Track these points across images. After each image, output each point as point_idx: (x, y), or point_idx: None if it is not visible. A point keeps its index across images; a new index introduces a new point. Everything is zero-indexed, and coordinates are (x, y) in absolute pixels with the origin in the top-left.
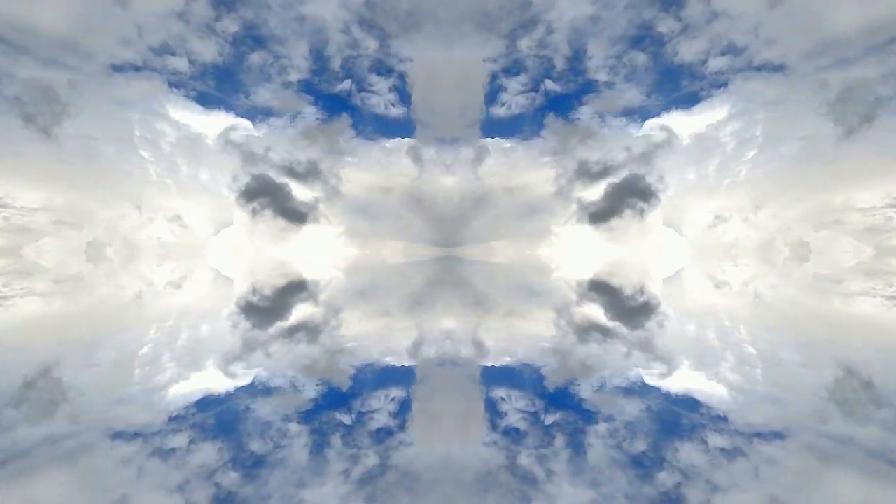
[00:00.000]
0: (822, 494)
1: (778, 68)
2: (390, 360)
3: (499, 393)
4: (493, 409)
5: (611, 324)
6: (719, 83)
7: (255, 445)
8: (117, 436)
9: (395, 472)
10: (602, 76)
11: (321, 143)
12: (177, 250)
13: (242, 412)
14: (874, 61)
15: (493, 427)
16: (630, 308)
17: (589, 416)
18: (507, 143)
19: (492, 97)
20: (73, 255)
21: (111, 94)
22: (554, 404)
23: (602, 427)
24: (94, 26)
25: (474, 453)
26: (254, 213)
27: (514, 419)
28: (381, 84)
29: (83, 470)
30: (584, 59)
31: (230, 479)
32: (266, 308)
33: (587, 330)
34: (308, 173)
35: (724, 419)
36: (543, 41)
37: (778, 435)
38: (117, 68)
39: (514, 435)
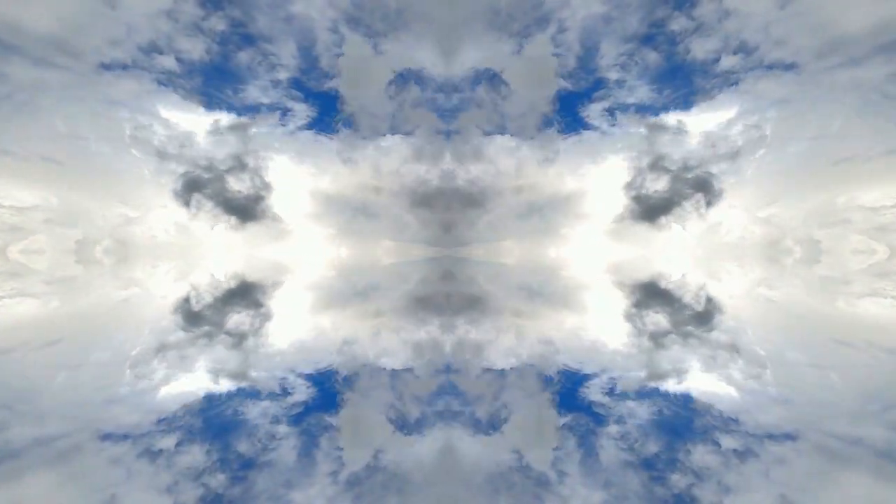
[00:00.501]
0: (832, 495)
1: (789, 67)
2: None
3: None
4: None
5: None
6: (731, 82)
7: (244, 447)
8: (106, 437)
9: (384, 473)
10: (613, 74)
11: (311, 142)
12: (171, 250)
13: (231, 414)
14: (883, 60)
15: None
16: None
17: (600, 419)
18: (513, 142)
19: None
20: (62, 255)
21: (101, 94)
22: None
23: (613, 429)
24: (84, 25)
25: (483, 454)
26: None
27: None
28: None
29: (72, 470)
30: (595, 57)
31: (218, 480)
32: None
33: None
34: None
35: (735, 421)
36: (555, 39)
37: (789, 436)
38: (107, 67)
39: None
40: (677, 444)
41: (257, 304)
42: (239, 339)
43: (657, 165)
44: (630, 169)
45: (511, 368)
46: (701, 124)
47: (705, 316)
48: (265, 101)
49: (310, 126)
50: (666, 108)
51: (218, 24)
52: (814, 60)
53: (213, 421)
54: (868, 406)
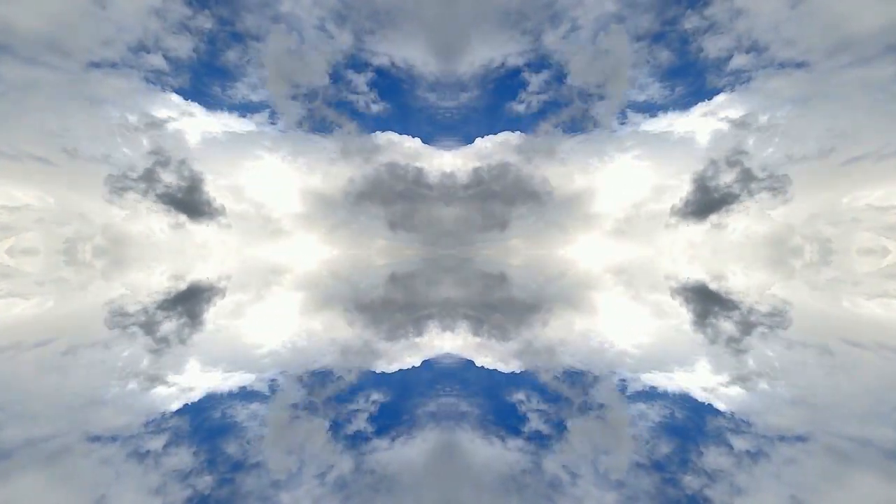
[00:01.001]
0: (841, 495)
1: (800, 66)
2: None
3: (518, 396)
4: (512, 413)
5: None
6: (742, 80)
7: (232, 448)
8: (95, 439)
9: (371, 475)
10: (625, 73)
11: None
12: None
13: (220, 416)
14: (893, 59)
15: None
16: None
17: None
18: (523, 138)
19: (512, 93)
20: (54, 255)
21: (91, 92)
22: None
23: (628, 430)
24: (74, 25)
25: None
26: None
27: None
28: (359, 79)
29: (63, 471)
30: (607, 56)
31: (206, 481)
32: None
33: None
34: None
35: (747, 422)
36: (568, 37)
37: (800, 438)
38: (96, 65)
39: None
40: (689, 445)
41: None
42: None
43: (669, 164)
44: (641, 167)
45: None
46: (711, 122)
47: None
48: (255, 98)
49: (299, 124)
50: (676, 107)
51: (205, 22)
52: (824, 59)
53: (201, 422)
54: (877, 407)
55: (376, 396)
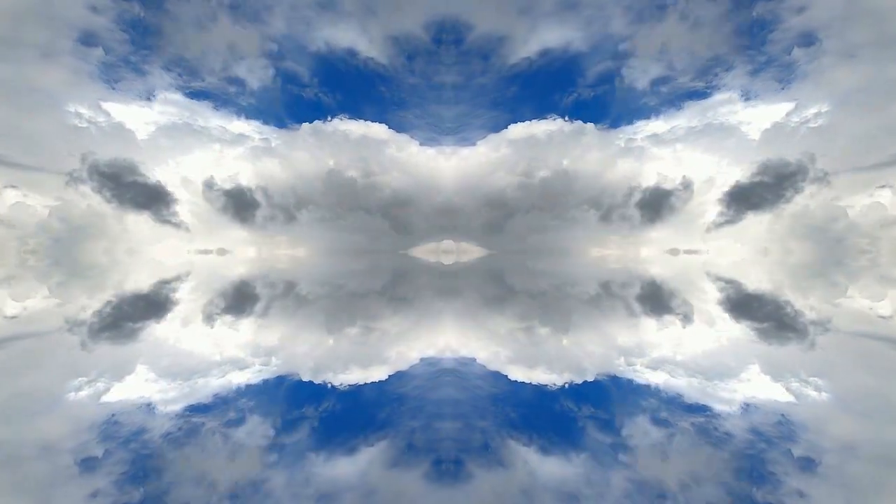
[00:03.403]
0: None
1: (852, 57)
2: None
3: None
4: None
5: None
6: (802, 72)
7: (176, 457)
8: (44, 447)
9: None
10: (679, 62)
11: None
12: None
13: (167, 427)
14: None
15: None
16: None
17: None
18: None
19: (569, 83)
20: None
21: (40, 84)
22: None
23: (681, 438)
24: (22, 18)
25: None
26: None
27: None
28: (301, 69)
29: (7, 479)
30: (666, 47)
31: (142, 492)
32: None
33: None
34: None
35: (804, 429)
36: (628, 28)
37: (850, 445)
38: (46, 57)
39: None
40: (743, 452)
41: None
42: None
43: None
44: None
45: None
46: (769, 114)
47: None
48: (201, 87)
49: (249, 111)
50: (733, 96)
51: (140, 12)
52: (876, 52)
53: (144, 433)
54: None
55: None
